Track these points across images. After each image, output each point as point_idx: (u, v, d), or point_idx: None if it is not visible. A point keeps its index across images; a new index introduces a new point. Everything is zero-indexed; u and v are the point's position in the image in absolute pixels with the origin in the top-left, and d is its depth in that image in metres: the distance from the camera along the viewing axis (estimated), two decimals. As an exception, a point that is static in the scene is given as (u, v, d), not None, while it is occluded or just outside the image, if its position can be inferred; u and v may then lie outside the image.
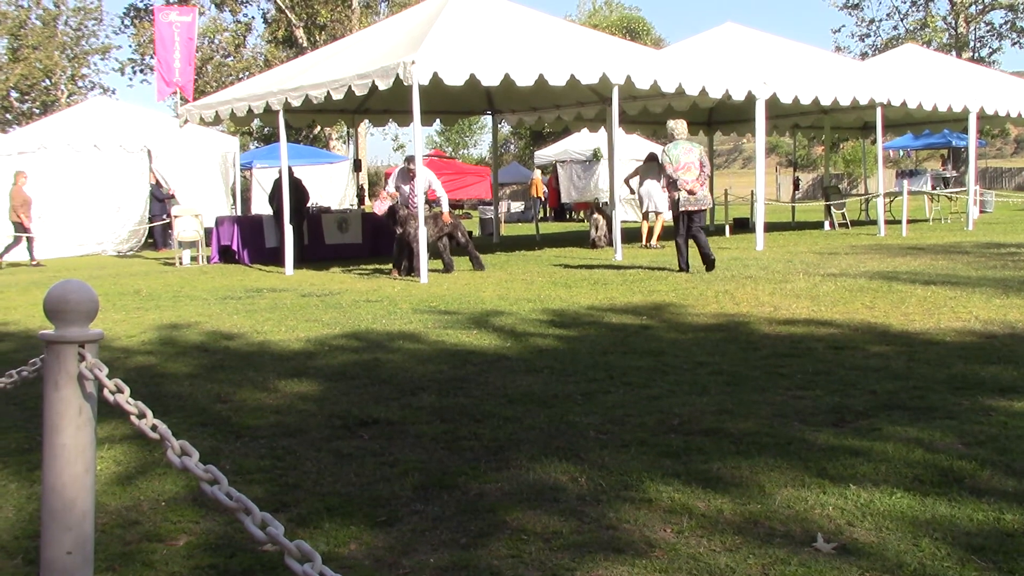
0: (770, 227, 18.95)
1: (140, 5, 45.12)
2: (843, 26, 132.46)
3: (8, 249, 18.71)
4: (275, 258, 15.97)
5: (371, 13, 45.52)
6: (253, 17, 70.05)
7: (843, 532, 3.33)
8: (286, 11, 43.82)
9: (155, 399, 5.47)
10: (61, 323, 2.41)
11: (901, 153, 49.14)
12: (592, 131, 23.27)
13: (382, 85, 12.73)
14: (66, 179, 21.00)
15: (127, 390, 2.36)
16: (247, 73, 42.32)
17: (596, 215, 17.91)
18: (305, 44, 42.17)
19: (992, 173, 49.48)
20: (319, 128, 39.06)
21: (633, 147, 29.04)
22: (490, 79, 13.18)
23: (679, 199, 11.93)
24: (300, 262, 15.30)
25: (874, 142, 21.88)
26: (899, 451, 4.21)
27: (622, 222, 16.30)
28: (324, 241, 17.57)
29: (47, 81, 45.95)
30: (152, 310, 10.07)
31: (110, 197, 21.62)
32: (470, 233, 14.82)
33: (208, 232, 18.09)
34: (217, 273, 15.00)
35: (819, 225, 22.27)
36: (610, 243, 16.21)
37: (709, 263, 11.80)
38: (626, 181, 18.71)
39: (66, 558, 2.41)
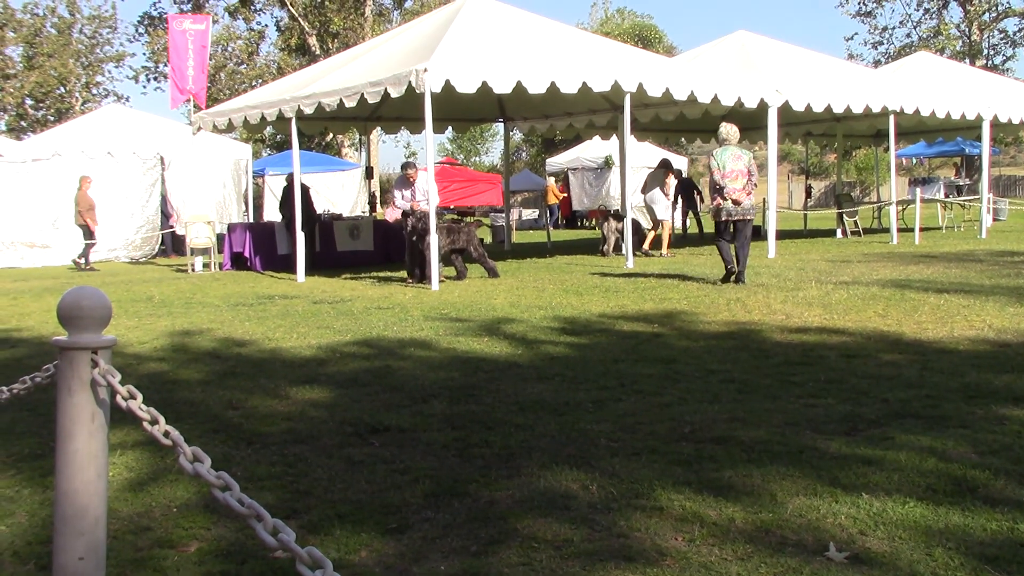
0: (782, 235, 18.90)
1: (154, 13, 45.46)
2: (856, 34, 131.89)
3: (86, 253, 19.03)
4: (287, 265, 16.00)
5: (383, 21, 45.69)
6: (266, 25, 70.62)
7: (855, 541, 3.31)
8: (299, 19, 44.03)
9: (167, 405, 5.49)
10: (74, 329, 2.42)
11: (914, 161, 48.92)
12: (604, 139, 23.26)
13: (394, 93, 12.76)
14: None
15: (139, 396, 2.37)
16: (260, 81, 42.53)
17: (610, 222, 17.80)
18: (318, 52, 42.36)
19: (1006, 181, 49.24)
20: (331, 135, 39.23)
21: (645, 155, 29.03)
22: (502, 87, 13.20)
23: (724, 208, 11.46)
24: (312, 269, 15.33)
25: (887, 150, 21.79)
26: (912, 460, 4.18)
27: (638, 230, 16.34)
28: (336, 248, 17.62)
29: (62, 89, 46.26)
30: (164, 316, 10.10)
31: (123, 204, 21.72)
32: (481, 240, 14.81)
33: (220, 239, 18.16)
34: (229, 280, 15.05)
35: (831, 233, 22.20)
36: (621, 251, 16.19)
37: (738, 276, 11.40)
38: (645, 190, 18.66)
39: (78, 564, 2.41)
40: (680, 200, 24.08)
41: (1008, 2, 48.73)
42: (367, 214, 23.81)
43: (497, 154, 67.99)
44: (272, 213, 26.06)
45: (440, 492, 3.96)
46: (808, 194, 29.51)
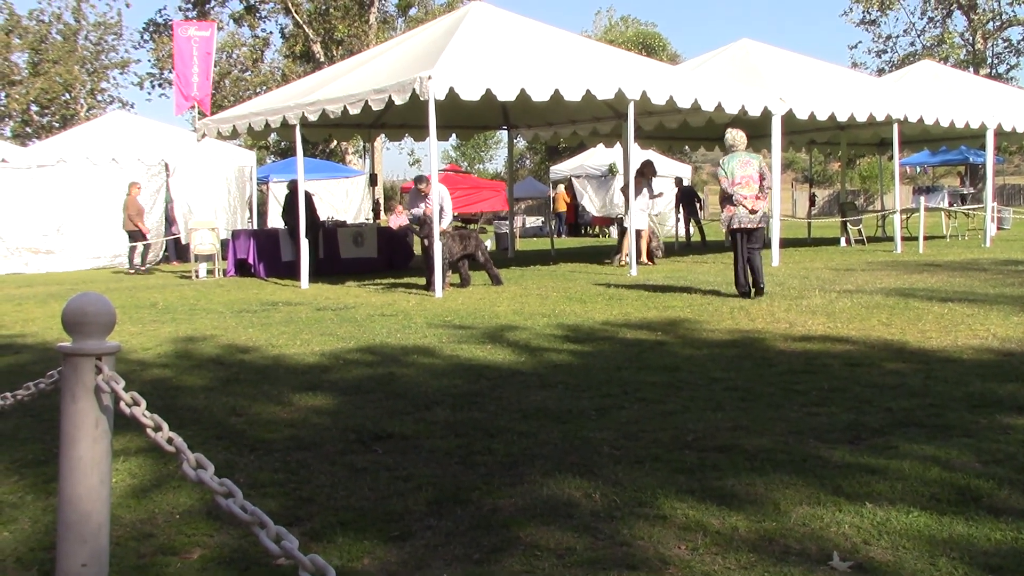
0: (786, 243, 18.89)
1: (159, 20, 45.60)
2: (860, 42, 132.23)
3: (145, 255, 19.22)
4: (291, 272, 16.02)
5: (388, 28, 45.81)
6: (271, 32, 70.72)
7: (859, 551, 3.31)
8: (304, 26, 44.15)
9: (170, 412, 5.49)
10: (79, 336, 2.43)
11: (918, 169, 48.97)
12: (608, 146, 23.31)
13: (399, 100, 12.79)
14: (84, 192, 21.17)
15: (143, 403, 2.38)
16: (264, 88, 42.65)
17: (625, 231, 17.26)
18: (322, 59, 42.46)
19: (1010, 190, 49.24)
20: (335, 142, 39.24)
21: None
22: (506, 94, 13.22)
23: (735, 215, 10.89)
24: (315, 276, 15.34)
25: (891, 158, 21.79)
26: (916, 469, 4.18)
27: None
28: (340, 255, 17.63)
29: (67, 95, 46.38)
30: (168, 323, 10.11)
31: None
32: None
33: (224, 245, 18.18)
34: (233, 286, 15.06)
35: (835, 241, 22.19)
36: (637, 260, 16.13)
37: (758, 289, 10.90)
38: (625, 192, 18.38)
39: (81, 570, 2.42)
40: (681, 208, 24.09)
41: (1012, 11, 48.76)
42: (371, 221, 23.80)
43: (501, 161, 68.10)
44: (276, 220, 26.08)
45: (443, 499, 3.96)
46: (812, 202, 29.49)
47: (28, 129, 45.38)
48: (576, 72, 14.04)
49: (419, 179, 14.11)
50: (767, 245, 16.66)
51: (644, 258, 16.57)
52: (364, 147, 41.07)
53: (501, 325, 9.12)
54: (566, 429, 5.06)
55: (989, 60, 50.64)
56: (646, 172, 17.28)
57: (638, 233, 16.15)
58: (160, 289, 14.75)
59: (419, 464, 4.49)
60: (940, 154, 33.06)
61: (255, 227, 24.02)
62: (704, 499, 3.86)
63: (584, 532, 3.55)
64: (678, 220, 24.29)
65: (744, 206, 10.86)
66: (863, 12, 52.44)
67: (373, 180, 24.90)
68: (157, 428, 2.31)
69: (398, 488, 4.14)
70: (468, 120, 19.77)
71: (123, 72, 49.50)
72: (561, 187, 34.39)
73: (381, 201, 27.39)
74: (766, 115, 15.94)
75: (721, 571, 3.17)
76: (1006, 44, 51.64)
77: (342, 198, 30.98)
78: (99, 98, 48.07)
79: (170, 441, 2.27)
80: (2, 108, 45.21)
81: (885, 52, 53.52)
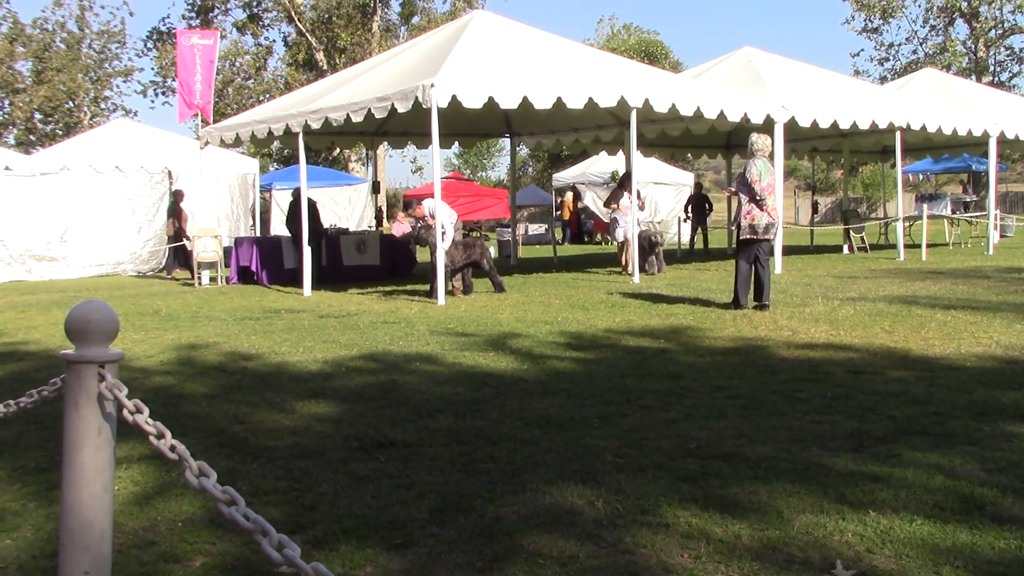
0: (789, 251, 18.89)
1: (163, 28, 45.74)
2: (862, 50, 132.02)
3: (190, 263, 19.32)
4: (293, 279, 16.02)
5: (390, 36, 45.92)
6: (274, 40, 70.92)
7: (862, 559, 3.30)
8: (307, 34, 44.27)
9: (173, 419, 5.49)
10: (82, 343, 2.43)
11: (921, 177, 48.91)
12: (610, 154, 23.26)
13: (401, 108, 12.80)
14: (88, 200, 21.21)
15: (146, 410, 2.38)
16: (267, 95, 42.71)
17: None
18: (325, 67, 42.57)
19: (1012, 197, 49.17)
20: (338, 150, 39.36)
21: (651, 170, 29.05)
22: (508, 102, 13.24)
23: (758, 223, 10.37)
24: (318, 283, 15.35)
25: (893, 166, 21.77)
26: (919, 477, 4.17)
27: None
28: (342, 262, 17.64)
29: (70, 103, 46.49)
30: (171, 330, 10.12)
31: (131, 218, 21.83)
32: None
33: (227, 253, 18.19)
34: (236, 294, 15.07)
35: (838, 249, 22.18)
36: (647, 271, 16.15)
37: (762, 306, 10.34)
38: (606, 205, 18.32)
39: (83, 578, 2.41)
40: (691, 214, 24.04)
41: (1014, 19, 48.83)
42: (374, 228, 23.84)
43: (503, 169, 68.22)
44: (279, 227, 26.13)
45: (445, 507, 3.96)
46: (815, 210, 29.55)
47: (32, 137, 45.48)
48: (578, 80, 14.06)
49: (407, 204, 14.14)
50: (770, 253, 16.65)
51: (628, 268, 16.15)
52: (367, 155, 41.15)
53: (504, 332, 9.12)
54: (569, 437, 5.06)
55: (991, 68, 50.70)
56: (625, 184, 17.27)
57: (621, 244, 16.74)
58: (163, 296, 14.76)
59: (422, 472, 4.49)
60: (943, 162, 33.10)
61: (258, 234, 24.04)
62: (707, 507, 3.86)
63: (587, 540, 3.54)
64: (686, 220, 24.23)
65: (770, 215, 10.39)
66: (865, 20, 52.57)
67: (376, 188, 24.99)
68: (160, 436, 2.31)
69: (400, 496, 4.13)
70: (471, 128, 19.80)
71: (126, 80, 49.59)
72: (568, 195, 34.40)
73: (384, 208, 27.45)
74: (768, 123, 15.93)
75: (724, 579, 3.16)
76: (1008, 52, 51.76)
77: (345, 205, 31.05)
78: (102, 106, 48.16)
79: (173, 449, 2.27)
80: (6, 116, 45.34)
81: (887, 60, 53.66)
